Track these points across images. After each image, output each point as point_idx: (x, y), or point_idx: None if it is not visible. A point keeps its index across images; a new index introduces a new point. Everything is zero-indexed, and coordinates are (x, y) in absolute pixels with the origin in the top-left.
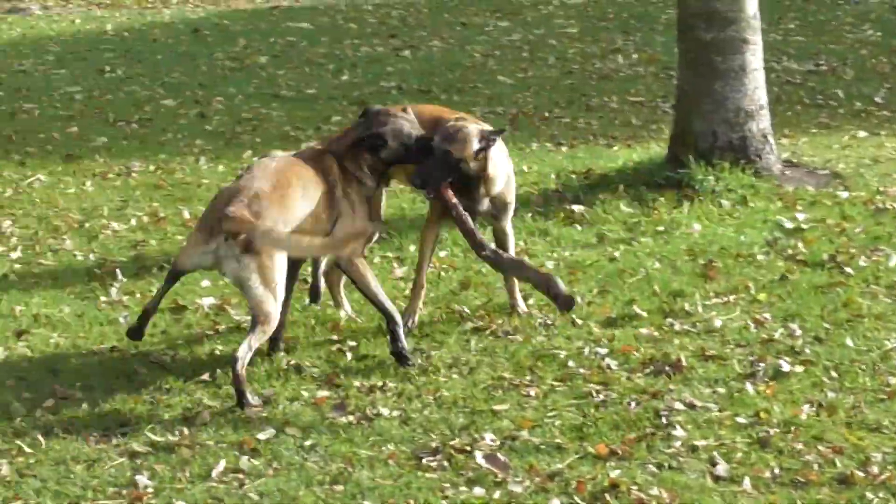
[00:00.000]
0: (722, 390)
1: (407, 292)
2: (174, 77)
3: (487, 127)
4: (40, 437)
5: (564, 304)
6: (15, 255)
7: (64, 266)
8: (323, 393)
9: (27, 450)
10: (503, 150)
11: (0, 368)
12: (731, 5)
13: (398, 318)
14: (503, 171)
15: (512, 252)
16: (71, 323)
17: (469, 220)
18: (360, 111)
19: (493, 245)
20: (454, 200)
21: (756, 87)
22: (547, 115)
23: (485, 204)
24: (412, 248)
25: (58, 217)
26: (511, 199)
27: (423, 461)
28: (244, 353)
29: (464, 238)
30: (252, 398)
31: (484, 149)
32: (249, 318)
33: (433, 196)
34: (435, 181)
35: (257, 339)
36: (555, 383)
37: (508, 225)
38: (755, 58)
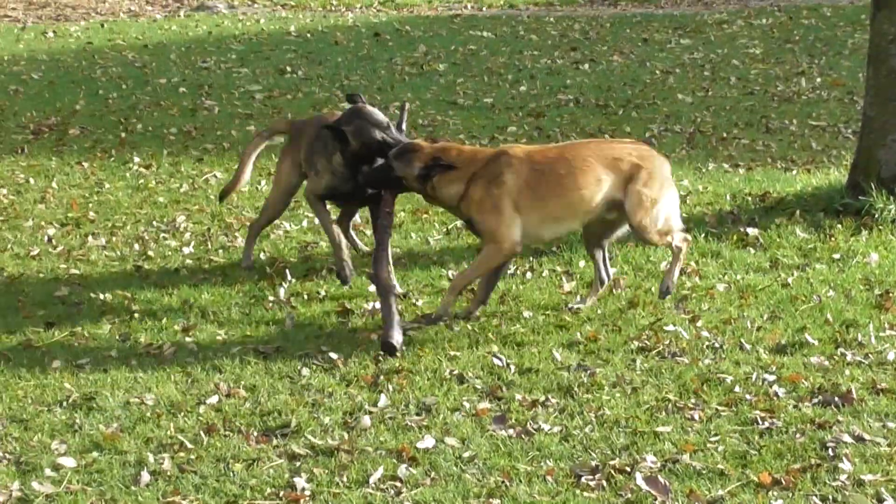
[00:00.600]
0: (892, 425)
1: (573, 305)
2: (353, 80)
3: (445, 160)
4: (202, 434)
5: (386, 348)
6: (187, 250)
7: (234, 264)
8: (484, 405)
9: (189, 445)
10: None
11: (167, 363)
12: None
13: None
14: (449, 194)
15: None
16: (238, 321)
17: (389, 237)
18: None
19: (392, 275)
20: (388, 210)
21: None
22: (725, 135)
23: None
24: (581, 263)
25: (231, 214)
26: (479, 216)
27: (582, 479)
28: None
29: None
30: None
31: (425, 176)
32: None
33: (382, 205)
34: (377, 186)
35: None
36: (720, 408)
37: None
38: None
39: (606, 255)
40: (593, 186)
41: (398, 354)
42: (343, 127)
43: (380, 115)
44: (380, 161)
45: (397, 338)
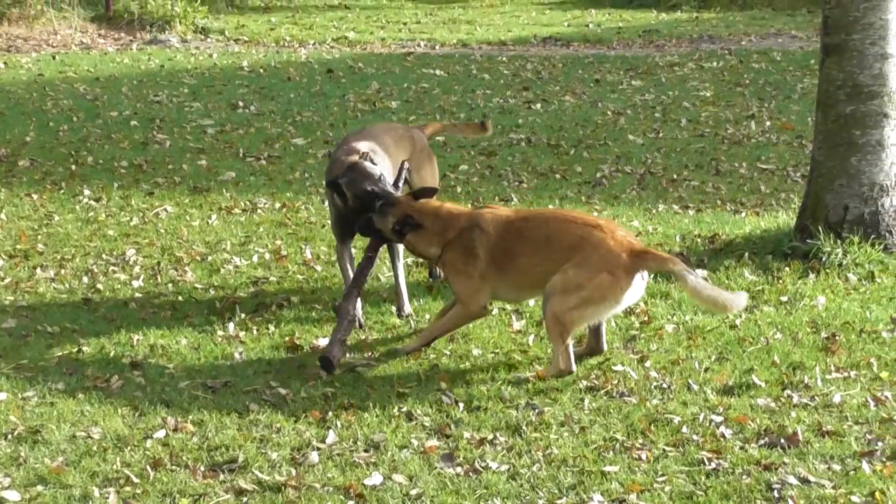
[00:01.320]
0: (837, 467)
1: (525, 344)
2: (306, 116)
3: (416, 219)
4: (149, 468)
5: (322, 361)
6: (137, 283)
7: (184, 298)
8: (432, 442)
9: (135, 480)
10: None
11: (114, 397)
12: (874, 79)
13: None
14: (427, 252)
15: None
16: (187, 355)
17: (364, 279)
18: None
19: (360, 313)
20: (370, 255)
21: (893, 163)
22: (675, 177)
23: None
24: (531, 301)
25: (181, 249)
26: (451, 278)
27: None
28: None
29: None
30: None
31: (398, 232)
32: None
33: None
34: (364, 234)
35: None
36: (667, 448)
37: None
38: (894, 133)
39: (603, 325)
40: (558, 257)
41: (334, 372)
42: (339, 180)
43: (375, 170)
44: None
45: (337, 355)
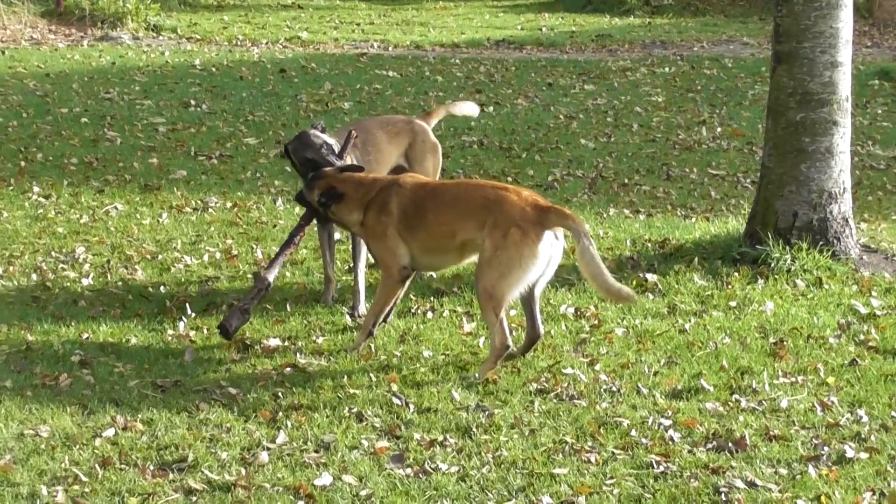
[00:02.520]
0: (784, 471)
1: (476, 346)
2: (258, 115)
3: (338, 189)
4: (97, 467)
5: (220, 328)
6: (86, 282)
7: (134, 296)
8: (383, 443)
9: (83, 478)
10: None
11: (63, 395)
12: (824, 87)
13: None
14: (350, 220)
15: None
16: (137, 354)
17: (294, 242)
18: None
19: (271, 279)
20: (302, 223)
21: (841, 170)
22: (627, 181)
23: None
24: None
25: (131, 247)
26: (370, 242)
27: None
28: None
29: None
30: None
31: (324, 203)
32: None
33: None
34: (300, 204)
35: None
36: (616, 451)
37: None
38: (843, 141)
39: (536, 306)
40: (462, 216)
41: (230, 339)
42: (288, 145)
43: (318, 139)
44: None
45: (235, 324)
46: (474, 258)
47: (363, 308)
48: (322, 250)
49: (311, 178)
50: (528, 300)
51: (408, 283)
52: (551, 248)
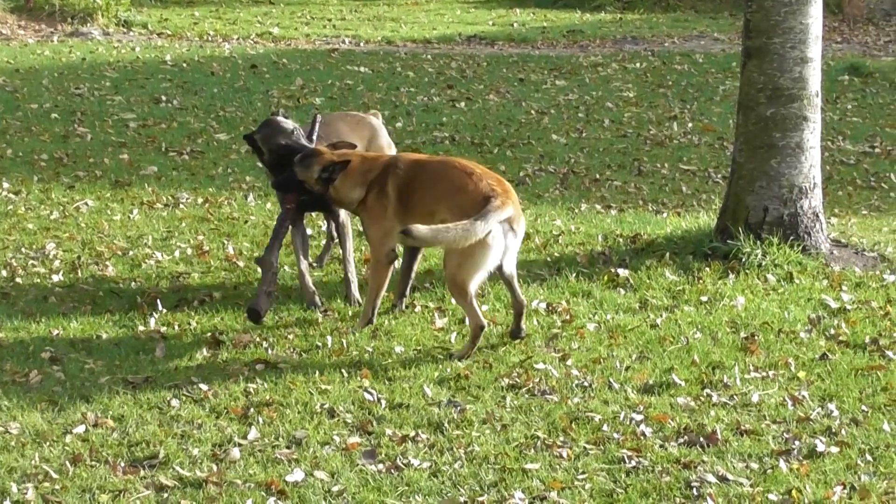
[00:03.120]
0: (755, 466)
1: (447, 342)
2: (229, 111)
3: (341, 160)
4: (68, 464)
5: (249, 313)
6: (56, 278)
7: (105, 292)
8: (354, 439)
9: (54, 475)
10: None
11: (33, 392)
12: (794, 83)
13: None
14: (350, 198)
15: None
16: (107, 350)
17: (284, 231)
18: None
19: (274, 261)
20: (288, 207)
21: (812, 166)
22: (598, 176)
23: (340, 213)
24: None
25: (102, 243)
26: (366, 222)
27: None
28: None
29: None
30: None
31: (325, 179)
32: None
33: (281, 201)
34: (283, 190)
35: None
36: (588, 446)
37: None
38: (813, 136)
39: (514, 281)
40: (436, 198)
41: (261, 322)
42: (255, 135)
43: (289, 125)
44: None
45: (264, 306)
46: None
47: (356, 293)
48: (295, 249)
49: (305, 156)
50: (502, 277)
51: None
52: (503, 239)
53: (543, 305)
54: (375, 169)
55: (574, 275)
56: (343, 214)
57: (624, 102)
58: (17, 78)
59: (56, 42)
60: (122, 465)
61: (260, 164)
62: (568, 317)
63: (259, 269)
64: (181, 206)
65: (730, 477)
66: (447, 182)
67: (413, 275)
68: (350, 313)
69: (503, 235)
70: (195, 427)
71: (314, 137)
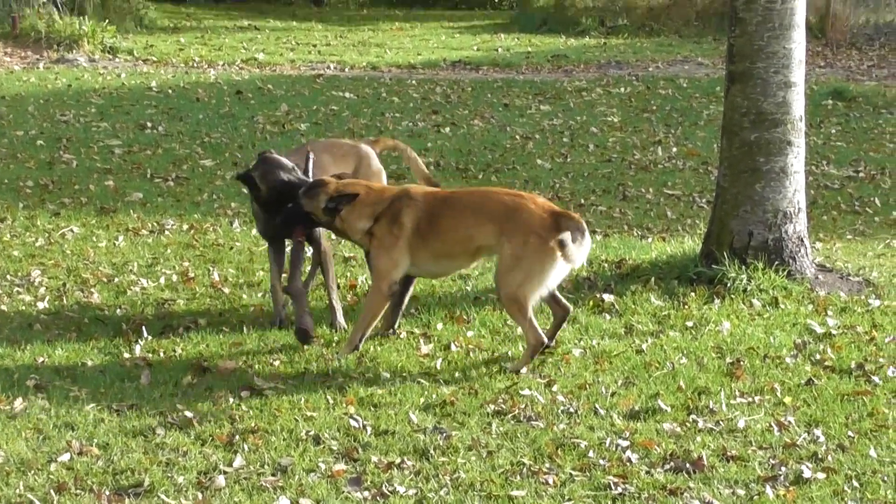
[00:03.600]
0: (741, 492)
1: (433, 368)
2: (214, 137)
3: (347, 191)
4: (52, 493)
5: (299, 333)
6: (42, 305)
7: (90, 319)
8: (340, 466)
9: None
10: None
11: (17, 419)
12: (778, 107)
13: None
14: (357, 227)
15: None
16: (92, 377)
17: (300, 259)
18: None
19: (302, 288)
20: (300, 240)
21: (796, 190)
22: (583, 201)
23: (322, 240)
24: (440, 325)
25: (87, 270)
26: (375, 252)
27: None
28: None
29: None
30: None
31: (332, 209)
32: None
33: (293, 235)
34: (290, 224)
35: None
36: (574, 472)
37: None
38: (797, 160)
39: (556, 292)
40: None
41: (312, 342)
42: (252, 173)
43: (286, 161)
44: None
45: (310, 324)
46: (480, 262)
47: (342, 320)
48: (272, 278)
49: (311, 187)
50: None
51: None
52: (571, 251)
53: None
54: (385, 200)
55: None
56: (325, 242)
57: (608, 127)
58: (3, 105)
59: (42, 69)
60: (107, 493)
61: (253, 203)
62: (553, 342)
63: (291, 299)
64: (166, 232)
65: (716, 503)
66: (493, 206)
67: (404, 306)
68: (335, 339)
69: (567, 248)
70: (180, 455)
71: (310, 174)
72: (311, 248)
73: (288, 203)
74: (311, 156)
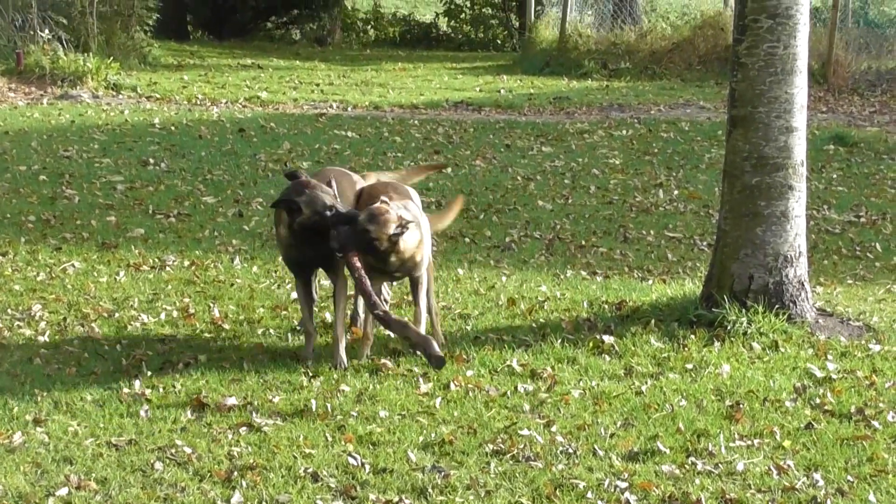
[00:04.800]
0: None
1: (432, 406)
2: (216, 174)
3: (406, 214)
4: None
5: (436, 363)
6: (42, 339)
7: (90, 354)
8: (338, 503)
9: None
10: (415, 231)
11: (16, 453)
12: (779, 152)
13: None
14: (411, 246)
15: (423, 293)
16: (91, 412)
17: (367, 282)
18: (287, 173)
19: (386, 307)
20: (358, 265)
21: (797, 234)
22: (584, 243)
23: (393, 265)
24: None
25: (88, 305)
26: (420, 258)
27: None
28: None
29: (361, 296)
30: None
31: (398, 234)
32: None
33: (341, 258)
34: (348, 248)
35: None
36: None
37: (423, 275)
38: (798, 204)
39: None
40: None
41: (444, 364)
42: (294, 198)
43: (324, 186)
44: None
45: (437, 348)
46: None
47: (343, 354)
48: (303, 305)
49: (373, 214)
50: None
51: None
52: None
53: (528, 371)
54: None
55: (559, 341)
56: (343, 273)
57: (610, 169)
58: (7, 140)
59: (46, 104)
60: None
61: (285, 229)
62: (552, 383)
63: (384, 327)
64: (167, 268)
65: None
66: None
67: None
68: (335, 376)
69: None
70: (178, 490)
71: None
72: (329, 278)
73: (324, 229)
74: (334, 182)
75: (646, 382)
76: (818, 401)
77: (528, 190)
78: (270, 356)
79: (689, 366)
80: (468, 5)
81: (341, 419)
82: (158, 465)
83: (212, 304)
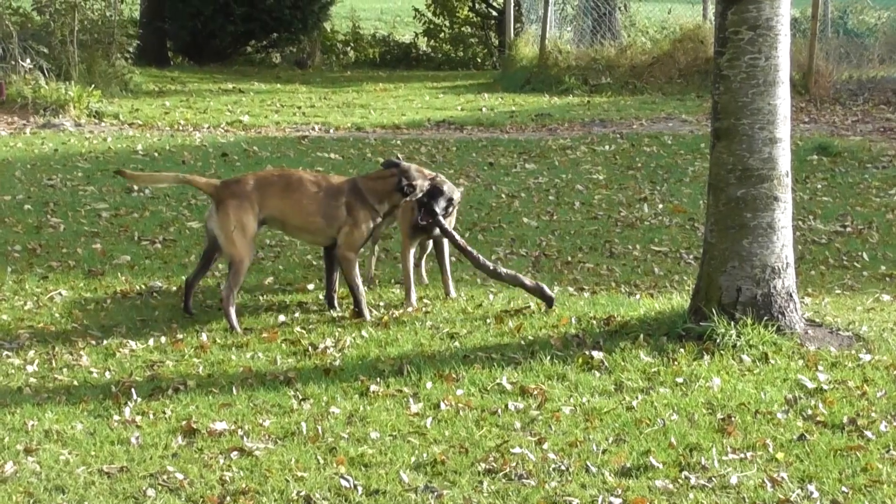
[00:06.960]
0: None
1: (423, 427)
2: (201, 200)
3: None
4: None
5: (550, 302)
6: (31, 368)
7: (79, 382)
8: None
9: None
10: None
11: (7, 483)
12: (764, 163)
13: (362, 297)
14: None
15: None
16: (82, 440)
17: (465, 244)
18: (385, 162)
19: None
20: (451, 230)
21: (784, 245)
22: (570, 259)
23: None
24: (429, 384)
25: (76, 333)
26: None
27: None
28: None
29: (465, 257)
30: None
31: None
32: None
33: (430, 223)
34: (437, 215)
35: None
36: None
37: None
38: (785, 216)
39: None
40: None
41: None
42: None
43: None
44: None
45: (549, 290)
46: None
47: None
48: (328, 273)
49: (433, 191)
50: None
51: None
52: None
53: (518, 388)
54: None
55: (548, 358)
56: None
57: (594, 185)
58: None
59: (28, 134)
60: None
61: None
62: (543, 400)
63: (501, 281)
64: (155, 294)
65: None
66: None
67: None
68: (325, 399)
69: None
70: None
71: None
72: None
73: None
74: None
75: (636, 397)
76: (810, 412)
77: (513, 207)
78: (259, 380)
79: (680, 380)
80: (447, 25)
81: (332, 441)
82: (151, 492)
83: (199, 329)
